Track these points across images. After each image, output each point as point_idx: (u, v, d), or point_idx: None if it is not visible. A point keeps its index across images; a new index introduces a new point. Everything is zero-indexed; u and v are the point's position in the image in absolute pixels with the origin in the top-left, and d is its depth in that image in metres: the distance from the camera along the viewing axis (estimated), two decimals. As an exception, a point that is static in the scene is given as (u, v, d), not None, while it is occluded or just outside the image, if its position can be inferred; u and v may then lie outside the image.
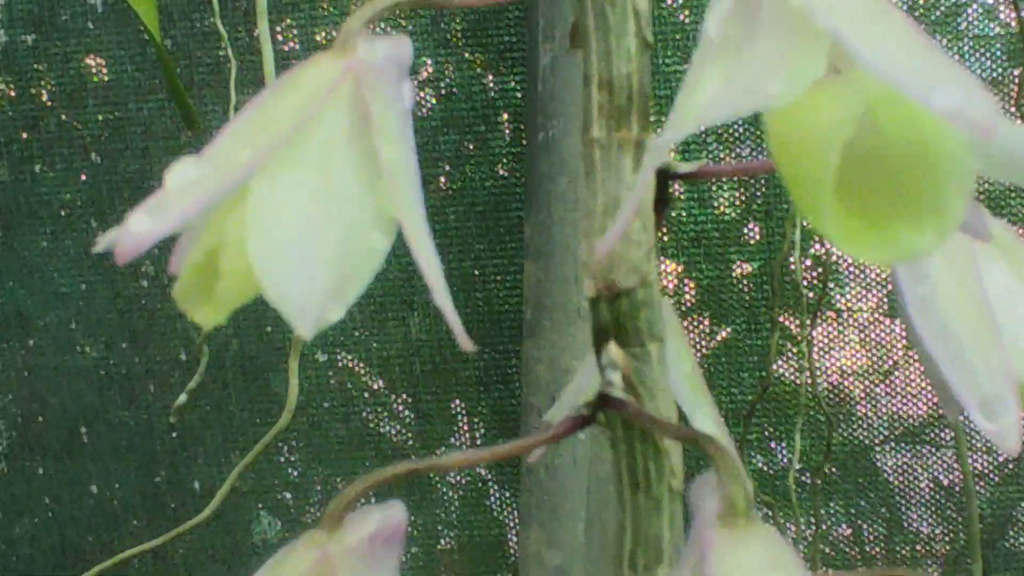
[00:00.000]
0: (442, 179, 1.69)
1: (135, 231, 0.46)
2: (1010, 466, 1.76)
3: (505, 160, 1.71)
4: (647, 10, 0.51)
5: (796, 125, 0.42)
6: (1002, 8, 1.72)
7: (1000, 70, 1.75)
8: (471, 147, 1.71)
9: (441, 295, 0.45)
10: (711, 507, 0.45)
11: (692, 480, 0.47)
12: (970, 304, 0.50)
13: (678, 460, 0.50)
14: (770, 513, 1.81)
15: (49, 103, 1.66)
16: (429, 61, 1.70)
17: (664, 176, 0.53)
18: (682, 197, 1.75)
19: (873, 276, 1.76)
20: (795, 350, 1.73)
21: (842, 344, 1.78)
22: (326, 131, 0.47)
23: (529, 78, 1.65)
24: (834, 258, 1.74)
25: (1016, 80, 1.69)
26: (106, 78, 1.65)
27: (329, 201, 0.46)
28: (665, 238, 1.71)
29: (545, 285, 1.59)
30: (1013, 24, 1.66)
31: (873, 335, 1.79)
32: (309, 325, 0.45)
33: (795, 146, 0.43)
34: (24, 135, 1.64)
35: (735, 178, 1.72)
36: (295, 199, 0.46)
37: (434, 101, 1.73)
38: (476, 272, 1.70)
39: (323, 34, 1.67)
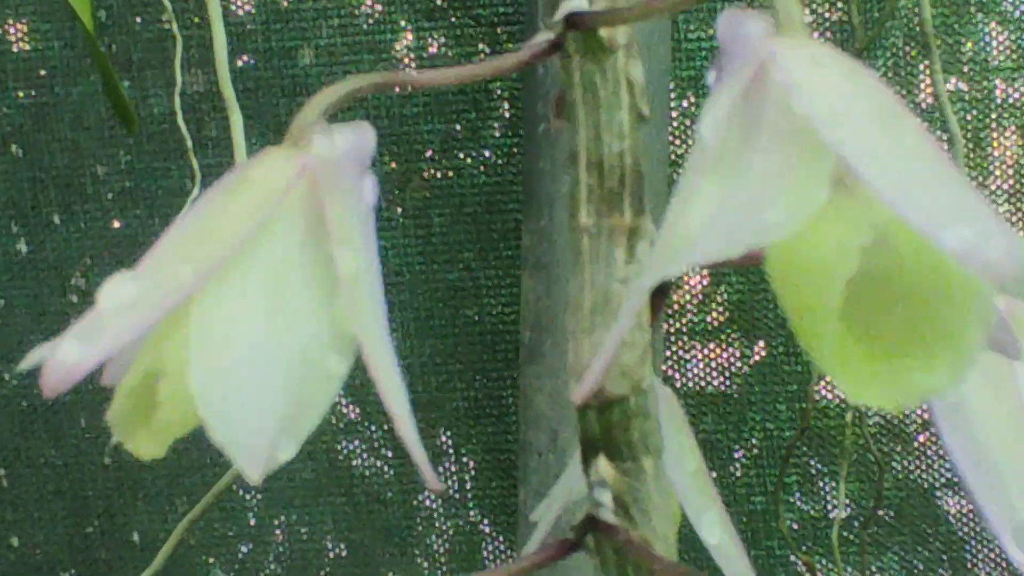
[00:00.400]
0: (424, 173, 1.68)
1: (65, 361, 0.44)
2: None
3: (500, 154, 1.67)
4: (642, 81, 0.50)
5: (796, 256, 0.42)
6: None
7: None
8: (459, 139, 1.67)
9: (407, 430, 0.45)
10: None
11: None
12: (1005, 415, 0.49)
13: None
14: (813, 568, 1.80)
15: None
16: (410, 32, 1.68)
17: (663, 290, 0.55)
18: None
19: None
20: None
21: None
22: (278, 241, 0.47)
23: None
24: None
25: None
26: (29, 55, 1.60)
27: (281, 322, 0.46)
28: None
29: (546, 303, 1.56)
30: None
31: None
32: (258, 469, 0.43)
33: (795, 276, 0.43)
34: None
35: None
36: (243, 320, 0.45)
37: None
38: (466, 285, 1.66)
39: (286, 4, 1.61)
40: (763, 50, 0.42)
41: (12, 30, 1.67)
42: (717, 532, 0.59)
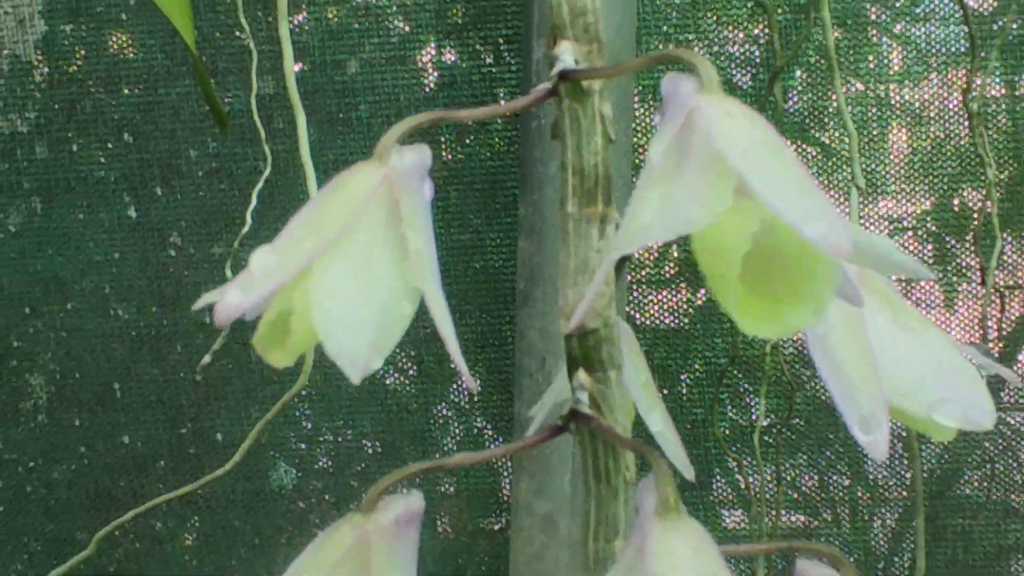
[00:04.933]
0: (445, 155, 1.71)
1: (230, 303, 0.51)
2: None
3: (502, 143, 1.71)
4: (610, 114, 0.55)
5: (711, 239, 0.48)
6: None
7: (959, 48, 1.75)
8: (471, 131, 1.71)
9: (454, 349, 0.51)
10: (650, 504, 0.48)
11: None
12: (855, 343, 0.54)
13: (631, 459, 0.55)
14: (741, 464, 1.83)
15: (85, 88, 1.64)
16: (431, 46, 1.70)
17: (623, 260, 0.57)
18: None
19: None
20: None
21: None
22: (368, 225, 0.53)
23: (524, 69, 1.65)
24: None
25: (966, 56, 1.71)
26: (137, 64, 1.63)
27: (371, 280, 0.52)
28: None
29: (537, 259, 1.60)
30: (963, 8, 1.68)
31: None
32: (358, 374, 0.50)
33: (710, 253, 0.48)
34: (62, 117, 1.63)
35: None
36: (346, 277, 0.51)
37: (436, 84, 1.73)
38: (474, 244, 1.71)
39: (336, 21, 1.66)
40: (691, 103, 0.48)
41: (125, 45, 1.67)
42: (660, 424, 0.66)
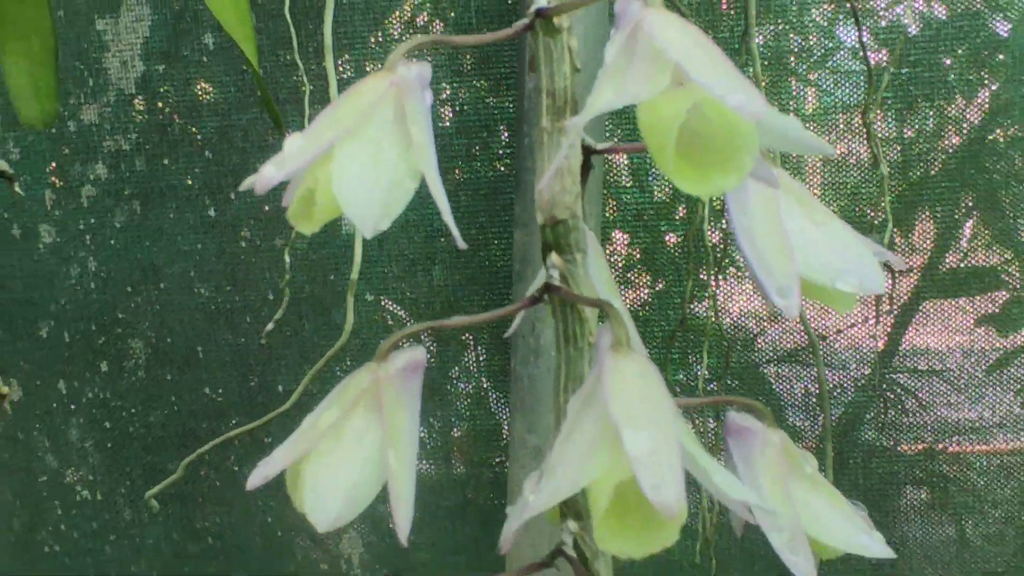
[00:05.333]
0: (456, 172, 1.71)
1: (268, 175, 0.52)
2: (861, 381, 1.78)
3: (501, 158, 1.72)
4: (576, 47, 0.56)
5: (653, 114, 0.48)
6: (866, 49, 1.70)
7: (860, 96, 1.75)
8: (477, 149, 1.72)
9: (443, 204, 0.51)
10: (606, 342, 0.49)
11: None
12: (772, 228, 0.54)
13: (594, 325, 0.55)
14: (686, 412, 1.83)
15: (174, 115, 1.67)
16: (447, 86, 1.70)
17: (587, 151, 0.58)
18: (628, 185, 1.76)
19: None
20: (706, 296, 1.74)
21: (740, 292, 1.79)
22: (379, 120, 0.53)
23: (519, 98, 1.66)
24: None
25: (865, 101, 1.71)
26: (215, 97, 1.66)
27: (380, 161, 0.52)
28: (615, 215, 1.73)
29: (529, 247, 1.60)
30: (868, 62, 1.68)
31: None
32: (370, 231, 0.50)
33: (653, 127, 0.48)
34: (156, 138, 1.66)
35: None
36: (361, 159, 0.52)
37: (451, 115, 1.72)
38: (479, 238, 1.72)
39: (372, 66, 1.68)
40: (639, 15, 0.49)
41: (206, 81, 1.67)
42: (618, 303, 0.63)
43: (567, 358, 0.55)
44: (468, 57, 1.68)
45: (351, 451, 0.54)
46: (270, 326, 1.60)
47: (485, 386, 1.80)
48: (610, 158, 1.85)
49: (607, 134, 1.76)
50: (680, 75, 0.48)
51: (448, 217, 0.51)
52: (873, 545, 0.56)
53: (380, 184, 0.52)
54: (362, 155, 0.53)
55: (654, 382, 0.48)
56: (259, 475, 0.55)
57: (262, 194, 0.52)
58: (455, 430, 1.82)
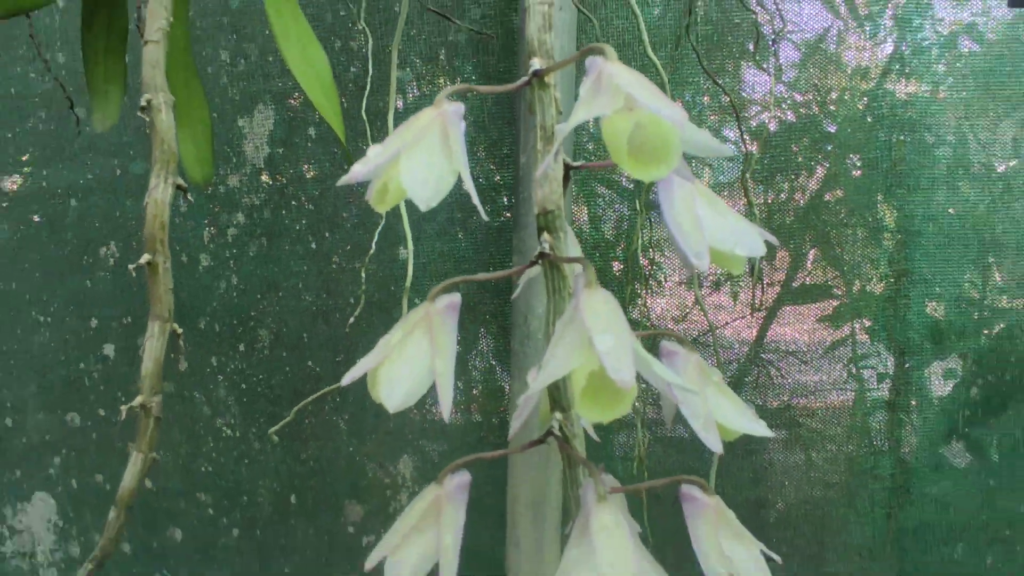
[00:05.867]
0: (476, 217, 1.70)
1: (357, 170, 0.51)
2: (742, 358, 1.79)
3: (505, 188, 1.71)
4: (560, 97, 0.54)
5: (612, 126, 0.47)
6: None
7: (738, 171, 1.76)
8: (488, 207, 1.72)
9: (472, 191, 0.50)
10: (581, 282, 0.49)
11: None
12: (690, 214, 0.52)
13: (571, 281, 0.53)
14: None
15: (288, 183, 1.67)
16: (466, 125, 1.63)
17: (567, 167, 0.56)
18: (587, 229, 1.75)
19: (678, 270, 1.75)
20: (638, 302, 1.73)
21: (660, 300, 1.80)
22: (429, 138, 0.52)
23: (515, 171, 1.66)
24: (659, 258, 1.73)
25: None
26: (315, 169, 1.66)
27: (431, 163, 0.51)
28: (582, 248, 1.71)
29: (524, 249, 1.58)
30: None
31: (678, 296, 1.82)
32: (425, 205, 0.48)
33: (612, 135, 0.47)
34: (277, 197, 1.66)
35: (614, 220, 1.72)
36: (418, 162, 0.51)
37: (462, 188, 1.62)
38: (489, 241, 1.71)
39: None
40: (602, 65, 0.48)
41: (310, 158, 1.65)
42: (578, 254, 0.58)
43: (554, 303, 0.53)
44: (471, 130, 1.65)
45: (411, 359, 0.52)
46: (351, 320, 1.63)
47: (493, 363, 1.81)
48: (575, 218, 1.78)
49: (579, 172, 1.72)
50: (631, 102, 0.46)
51: (475, 199, 0.50)
52: (759, 429, 0.53)
53: (432, 177, 0.50)
54: (419, 160, 0.50)
55: (615, 307, 0.47)
56: (350, 376, 0.52)
57: (353, 180, 0.50)
58: (473, 391, 1.82)
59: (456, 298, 0.54)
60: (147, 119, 0.76)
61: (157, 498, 1.76)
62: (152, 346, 0.77)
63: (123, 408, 0.75)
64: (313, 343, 1.73)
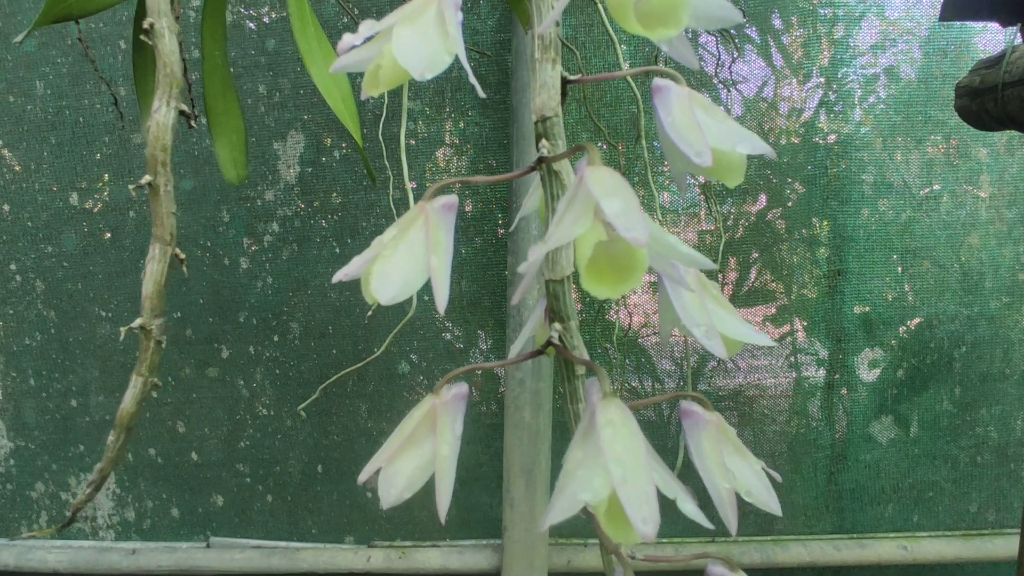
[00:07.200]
0: (468, 207, 1.63)
1: (346, 41, 0.46)
2: (702, 351, 1.78)
3: (501, 218, 1.69)
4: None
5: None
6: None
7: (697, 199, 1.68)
8: (490, 216, 1.67)
9: (468, 67, 0.45)
10: (584, 164, 0.43)
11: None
12: (689, 119, 0.48)
13: (567, 182, 0.49)
14: (606, 351, 1.73)
15: (315, 197, 1.67)
16: (472, 152, 1.59)
17: (564, 80, 0.51)
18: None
19: (649, 274, 1.68)
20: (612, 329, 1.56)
21: (634, 297, 1.72)
22: (425, 17, 0.47)
23: (507, 186, 1.64)
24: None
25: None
26: (341, 185, 1.67)
27: (427, 40, 0.47)
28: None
29: (518, 252, 1.59)
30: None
31: (649, 297, 1.74)
32: (418, 74, 0.44)
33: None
34: (306, 209, 1.66)
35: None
36: (412, 37, 0.46)
37: (468, 211, 1.63)
38: (488, 243, 1.68)
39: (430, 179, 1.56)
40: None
41: (337, 177, 1.66)
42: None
43: (548, 201, 0.49)
44: (471, 154, 1.66)
45: (406, 254, 0.46)
46: (369, 314, 1.66)
47: (491, 358, 1.80)
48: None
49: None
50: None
51: (472, 78, 0.45)
52: (760, 338, 0.48)
53: (426, 52, 0.45)
54: (413, 35, 0.46)
55: (622, 181, 0.42)
56: (340, 274, 0.46)
57: (341, 62, 0.45)
58: (475, 377, 1.81)
59: (452, 200, 0.49)
60: (150, 43, 0.68)
61: (202, 469, 1.75)
62: (153, 269, 0.69)
63: (122, 330, 0.68)
64: (337, 334, 1.73)
